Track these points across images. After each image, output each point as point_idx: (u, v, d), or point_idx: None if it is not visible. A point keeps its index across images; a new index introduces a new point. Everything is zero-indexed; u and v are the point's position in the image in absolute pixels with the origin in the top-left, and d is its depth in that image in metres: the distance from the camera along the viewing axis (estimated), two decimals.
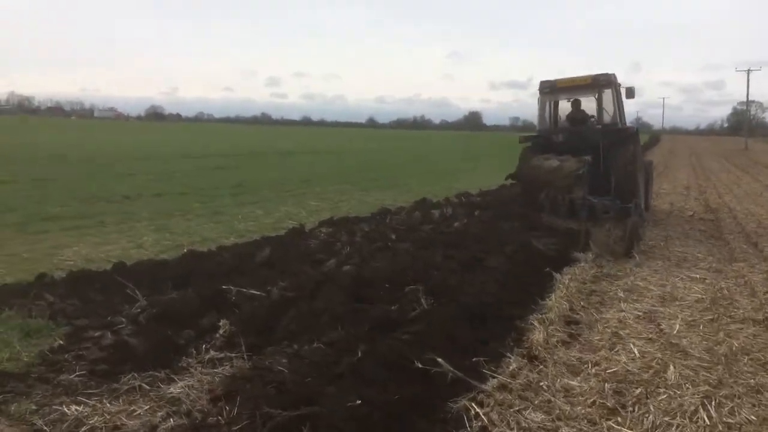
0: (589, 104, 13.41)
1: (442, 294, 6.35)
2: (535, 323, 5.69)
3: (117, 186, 16.38)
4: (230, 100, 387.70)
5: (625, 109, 13.43)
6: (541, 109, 13.61)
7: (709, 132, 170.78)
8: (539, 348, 5.14)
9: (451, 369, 4.58)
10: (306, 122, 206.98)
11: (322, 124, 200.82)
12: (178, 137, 59.66)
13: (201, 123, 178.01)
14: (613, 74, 12.75)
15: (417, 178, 22.48)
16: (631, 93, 13.01)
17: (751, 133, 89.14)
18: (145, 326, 5.19)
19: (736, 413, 4.08)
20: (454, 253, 8.16)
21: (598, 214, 10.68)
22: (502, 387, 4.41)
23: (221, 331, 5.11)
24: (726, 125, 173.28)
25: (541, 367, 4.84)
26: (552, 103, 13.74)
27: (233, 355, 4.77)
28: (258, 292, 6.03)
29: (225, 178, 19.70)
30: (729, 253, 9.42)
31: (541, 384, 4.50)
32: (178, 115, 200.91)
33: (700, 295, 6.99)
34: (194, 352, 4.85)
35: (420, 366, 4.56)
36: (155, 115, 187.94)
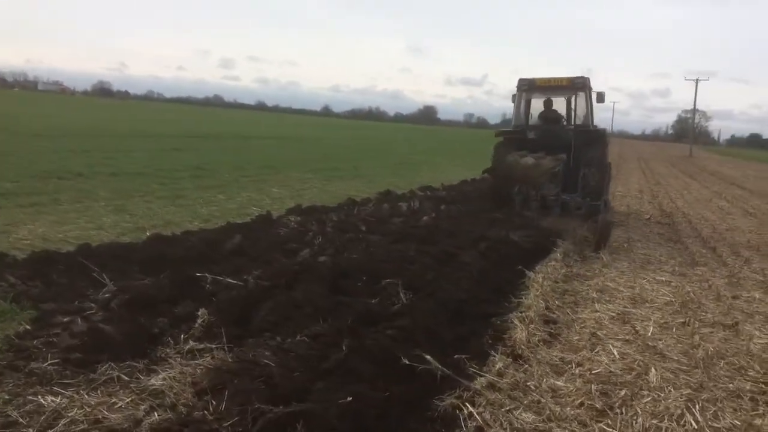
0: (559, 105, 13.90)
1: (420, 289, 6.29)
2: (516, 322, 5.68)
3: (69, 163, 15.72)
4: (182, 80, 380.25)
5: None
6: (517, 105, 14.00)
7: (654, 138, 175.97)
8: (522, 347, 5.13)
9: (440, 366, 4.52)
10: (260, 107, 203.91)
11: (276, 109, 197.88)
12: (128, 115, 57.95)
13: (151, 101, 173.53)
14: (588, 78, 13.24)
15: (378, 170, 22.37)
16: (601, 98, 13.54)
17: (694, 141, 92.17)
18: (117, 313, 4.95)
19: (720, 418, 4.14)
20: (427, 248, 8.10)
21: (571, 211, 11.59)
22: (491, 386, 4.37)
23: (200, 321, 4.91)
24: (671, 132, 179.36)
25: (526, 366, 4.82)
26: (527, 100, 14.16)
27: (213, 346, 4.59)
28: (234, 281, 5.84)
29: (183, 160, 19.16)
30: (690, 257, 9.65)
31: (528, 384, 4.48)
32: (127, 93, 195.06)
33: (668, 298, 7.12)
34: (171, 341, 4.65)
35: (407, 362, 4.50)
36: (102, 91, 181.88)
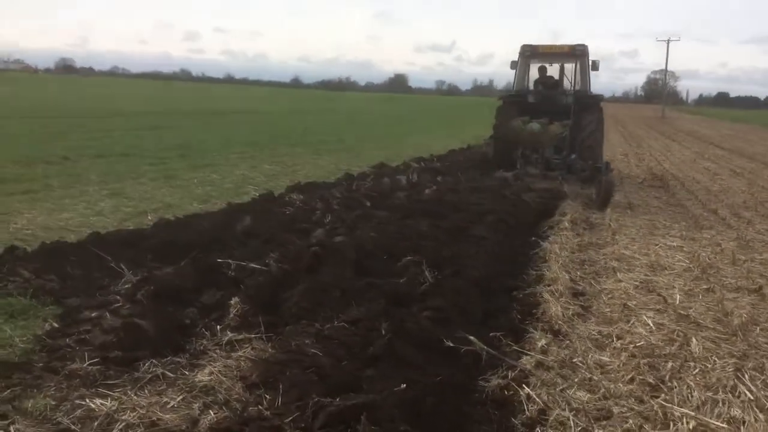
0: (552, 71, 14.30)
1: (442, 266, 6.20)
2: (546, 296, 5.62)
3: (50, 146, 15.22)
4: (146, 54, 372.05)
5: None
6: (521, 70, 14.52)
7: (626, 99, 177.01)
8: (559, 322, 5.08)
9: (484, 347, 4.45)
10: (229, 80, 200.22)
11: (245, 82, 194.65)
12: (99, 93, 56.48)
13: (117, 77, 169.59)
14: (587, 46, 13.84)
15: (364, 142, 22.11)
16: (595, 66, 14.09)
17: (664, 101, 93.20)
18: (145, 305, 4.77)
19: None
20: (437, 222, 8.01)
21: (576, 172, 12.38)
22: (540, 365, 4.31)
23: (233, 310, 4.77)
24: (641, 93, 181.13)
25: (567, 342, 4.77)
26: (527, 66, 14.65)
27: (252, 336, 4.47)
28: (258, 266, 5.67)
29: (165, 139, 18.72)
30: (694, 221, 9.70)
31: (575, 360, 4.44)
32: (91, 69, 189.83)
33: (685, 264, 7.13)
34: (207, 333, 4.51)
35: (451, 344, 4.41)
36: (66, 68, 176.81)
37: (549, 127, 12.73)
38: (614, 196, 10.98)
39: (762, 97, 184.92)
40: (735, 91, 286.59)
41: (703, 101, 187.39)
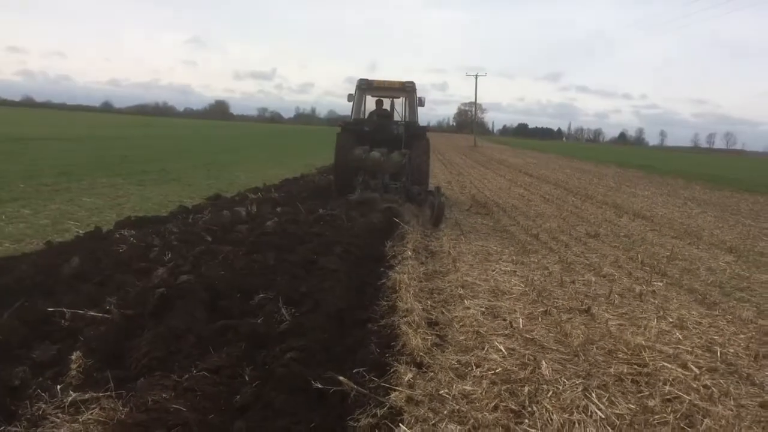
0: (387, 104, 15.64)
1: (299, 302, 6.08)
2: (404, 327, 5.68)
3: None
4: None
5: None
6: (357, 102, 15.99)
7: (440, 129, 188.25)
8: (421, 354, 5.14)
9: (354, 386, 4.38)
10: (28, 103, 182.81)
11: (48, 105, 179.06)
12: None
13: None
14: (414, 83, 15.69)
15: (190, 171, 21.14)
16: (421, 102, 15.94)
17: (473, 131, 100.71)
18: None
19: (616, 403, 4.49)
20: (285, 255, 7.84)
21: (413, 196, 13.93)
22: (410, 400, 4.32)
23: (74, 366, 4.25)
24: (453, 123, 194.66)
25: (431, 374, 4.83)
26: (363, 98, 16.14)
27: (100, 394, 3.99)
28: (97, 313, 5.14)
29: None
30: (521, 246, 10.41)
31: (441, 393, 4.49)
32: None
33: (521, 287, 7.61)
34: (45, 395, 3.96)
35: (319, 386, 4.29)
36: None
37: (390, 155, 14.26)
38: (445, 215, 12.52)
39: (555, 128, 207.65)
40: (532, 122, 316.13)
41: (506, 131, 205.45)
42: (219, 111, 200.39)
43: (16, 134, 36.69)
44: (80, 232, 9.16)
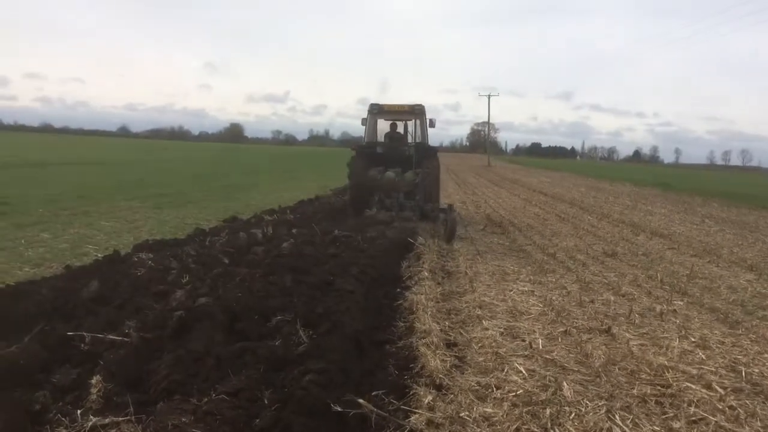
0: (401, 126, 17.10)
1: (316, 324, 6.05)
2: (423, 349, 5.65)
3: None
4: None
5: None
6: (370, 126, 16.69)
7: (453, 149, 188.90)
8: (440, 376, 5.10)
9: (374, 409, 4.35)
10: (47, 129, 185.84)
11: (66, 131, 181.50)
12: None
13: None
14: (423, 106, 16.29)
15: (206, 194, 21.31)
16: (432, 123, 16.44)
17: (487, 150, 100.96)
18: None
19: (640, 425, 4.42)
20: (302, 277, 7.84)
21: (427, 213, 14.56)
22: (430, 423, 4.28)
23: (94, 390, 4.25)
24: (466, 143, 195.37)
25: (451, 396, 4.79)
26: (375, 122, 16.82)
27: (120, 419, 3.99)
28: (117, 337, 5.15)
29: None
30: (538, 266, 10.35)
31: (462, 415, 4.46)
32: None
33: (540, 307, 7.56)
34: (66, 419, 3.97)
35: (339, 409, 4.26)
36: None
37: (404, 174, 15.32)
38: (457, 231, 13.17)
39: (568, 146, 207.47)
40: (545, 141, 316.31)
41: (519, 151, 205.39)
42: (234, 134, 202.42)
43: (35, 159, 37.27)
44: (99, 255, 9.23)
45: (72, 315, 6.03)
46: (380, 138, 17.15)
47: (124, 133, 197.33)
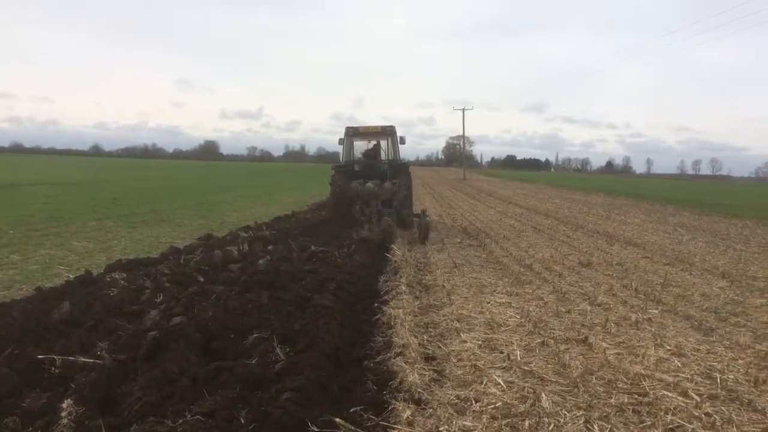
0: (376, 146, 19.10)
1: (293, 341, 6.00)
2: (402, 363, 5.62)
3: None
4: None
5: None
6: (346, 146, 19.07)
7: (428, 163, 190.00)
8: (419, 390, 5.08)
9: (351, 427, 4.31)
10: (17, 149, 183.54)
11: (37, 151, 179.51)
12: None
13: None
14: (394, 126, 18.80)
15: (180, 212, 21.09)
16: (402, 140, 19.00)
17: (462, 163, 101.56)
18: None
19: None
20: (279, 294, 7.79)
21: (404, 218, 17.01)
22: None
23: (65, 414, 4.15)
24: (442, 156, 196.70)
25: (430, 410, 4.76)
26: (351, 143, 19.20)
27: None
28: (88, 359, 5.05)
29: None
30: (515, 277, 10.38)
31: (441, 429, 4.43)
32: None
33: (517, 319, 7.57)
34: None
35: (316, 429, 4.21)
36: None
37: (383, 185, 17.31)
38: (431, 233, 15.48)
39: (543, 158, 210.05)
40: (520, 153, 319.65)
41: (495, 163, 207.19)
42: (208, 151, 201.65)
43: (4, 181, 36.55)
44: (70, 276, 9.08)
45: (43, 338, 5.91)
46: (357, 155, 19.21)
47: (96, 152, 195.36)
